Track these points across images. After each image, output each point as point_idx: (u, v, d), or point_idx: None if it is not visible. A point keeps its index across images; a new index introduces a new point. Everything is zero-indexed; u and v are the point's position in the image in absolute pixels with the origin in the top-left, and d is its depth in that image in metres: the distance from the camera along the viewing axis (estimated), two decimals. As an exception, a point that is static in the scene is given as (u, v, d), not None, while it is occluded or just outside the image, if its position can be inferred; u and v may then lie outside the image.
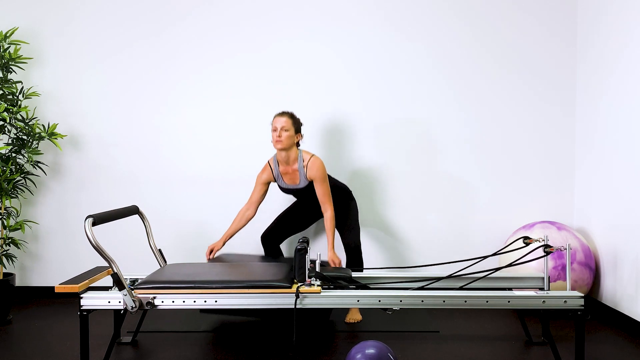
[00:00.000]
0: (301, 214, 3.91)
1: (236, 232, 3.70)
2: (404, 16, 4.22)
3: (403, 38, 4.23)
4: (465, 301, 2.75)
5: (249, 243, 4.19)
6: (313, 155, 3.63)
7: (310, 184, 3.63)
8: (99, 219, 2.75)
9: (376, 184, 4.25)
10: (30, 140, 3.92)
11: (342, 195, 3.80)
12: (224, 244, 3.68)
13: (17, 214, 4.06)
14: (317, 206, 3.73)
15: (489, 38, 4.21)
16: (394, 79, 4.23)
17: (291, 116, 3.64)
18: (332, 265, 3.45)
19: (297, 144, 3.69)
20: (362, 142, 4.25)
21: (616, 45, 3.68)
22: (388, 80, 4.24)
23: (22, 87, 4.09)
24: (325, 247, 4.24)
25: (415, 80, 4.23)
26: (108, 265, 2.69)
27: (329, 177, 3.76)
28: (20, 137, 3.93)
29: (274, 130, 3.58)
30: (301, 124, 3.71)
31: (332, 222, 3.59)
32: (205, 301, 2.75)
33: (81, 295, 2.74)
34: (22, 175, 3.98)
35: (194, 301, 2.76)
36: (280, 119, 3.60)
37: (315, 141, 4.25)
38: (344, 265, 3.85)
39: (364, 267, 4.19)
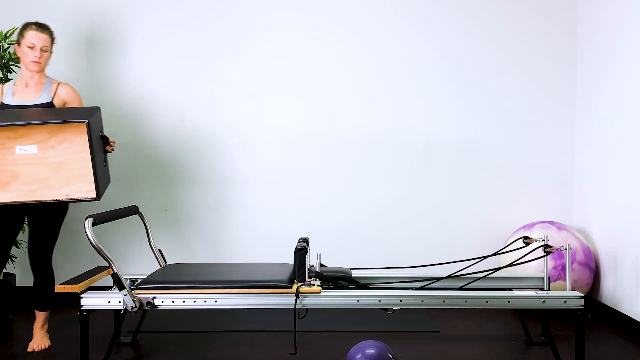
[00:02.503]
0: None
1: None
2: (403, 11, 4.22)
3: (404, 36, 4.23)
4: (465, 301, 2.75)
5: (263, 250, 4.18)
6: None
7: (50, 104, 3.21)
8: (99, 219, 2.75)
9: (377, 183, 4.25)
10: (30, 140, 3.91)
11: None
12: None
13: (17, 214, 4.06)
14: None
15: (490, 38, 4.21)
16: (394, 78, 4.23)
17: (51, 33, 3.23)
18: None
19: None
20: (359, 140, 4.25)
21: (616, 45, 3.68)
22: (388, 79, 4.23)
23: (22, 87, 4.09)
24: (326, 247, 4.24)
25: (416, 80, 4.23)
26: (108, 265, 2.69)
27: None
28: (20, 137, 3.92)
29: (31, 47, 3.14)
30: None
31: None
32: (205, 301, 2.75)
33: (81, 295, 2.74)
34: (22, 175, 3.97)
35: (194, 301, 2.76)
36: (41, 36, 3.16)
37: (316, 141, 4.25)
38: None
39: (363, 268, 4.19)
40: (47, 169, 3.10)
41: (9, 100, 3.19)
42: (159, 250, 3.35)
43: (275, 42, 4.24)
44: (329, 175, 4.25)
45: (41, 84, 3.25)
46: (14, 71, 3.95)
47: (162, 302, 2.76)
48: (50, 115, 2.98)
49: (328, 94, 4.25)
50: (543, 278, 3.10)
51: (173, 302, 2.76)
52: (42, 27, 3.20)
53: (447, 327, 3.58)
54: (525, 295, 2.78)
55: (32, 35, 3.15)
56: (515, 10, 4.20)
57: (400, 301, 2.76)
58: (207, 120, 4.27)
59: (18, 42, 3.21)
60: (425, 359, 3.02)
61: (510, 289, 3.10)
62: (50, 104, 3.21)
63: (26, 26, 3.19)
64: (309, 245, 3.24)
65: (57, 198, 3.06)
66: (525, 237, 3.09)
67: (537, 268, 3.63)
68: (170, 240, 4.27)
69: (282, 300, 2.76)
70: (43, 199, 3.06)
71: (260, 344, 3.25)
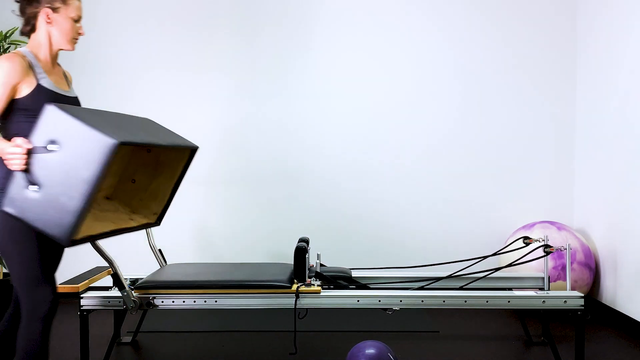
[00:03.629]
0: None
1: None
2: (403, 11, 4.23)
3: (404, 33, 4.23)
4: (465, 301, 2.75)
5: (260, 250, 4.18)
6: None
7: (77, 99, 2.47)
8: (99, 219, 2.74)
9: (376, 183, 4.25)
10: (30, 140, 3.91)
11: None
12: None
13: (17, 214, 4.05)
14: None
15: (489, 38, 4.21)
16: (394, 81, 4.23)
17: None
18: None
19: None
20: (359, 140, 4.25)
21: (616, 45, 3.68)
22: (389, 83, 4.24)
23: (22, 87, 4.09)
24: (326, 247, 4.24)
25: (415, 81, 4.23)
26: (108, 265, 2.69)
27: None
28: (20, 137, 3.92)
29: (76, 20, 2.35)
30: None
31: None
32: (205, 301, 2.75)
33: (81, 295, 2.74)
34: (22, 175, 3.97)
35: (194, 301, 2.76)
36: (81, 7, 2.39)
37: (313, 141, 4.25)
38: None
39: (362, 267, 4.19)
40: None
41: (47, 84, 2.25)
42: (159, 250, 3.35)
43: (282, 40, 4.25)
44: (329, 176, 4.25)
45: (60, 66, 2.46)
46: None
47: (162, 302, 2.76)
48: (157, 133, 2.35)
49: (327, 94, 4.25)
50: (543, 278, 3.10)
51: (173, 302, 2.76)
52: None
53: (447, 327, 3.58)
54: (525, 295, 2.78)
55: (77, 6, 2.34)
56: (515, 13, 4.20)
57: (400, 301, 2.76)
58: (207, 120, 4.26)
59: (54, 9, 2.27)
60: (425, 359, 3.02)
61: (510, 289, 3.10)
62: (77, 99, 2.47)
63: None
64: (309, 245, 3.24)
65: (130, 225, 2.52)
66: (525, 237, 3.09)
67: (537, 268, 3.63)
68: (171, 240, 4.27)
69: (282, 300, 2.76)
70: (126, 226, 2.50)
71: (260, 344, 3.25)
